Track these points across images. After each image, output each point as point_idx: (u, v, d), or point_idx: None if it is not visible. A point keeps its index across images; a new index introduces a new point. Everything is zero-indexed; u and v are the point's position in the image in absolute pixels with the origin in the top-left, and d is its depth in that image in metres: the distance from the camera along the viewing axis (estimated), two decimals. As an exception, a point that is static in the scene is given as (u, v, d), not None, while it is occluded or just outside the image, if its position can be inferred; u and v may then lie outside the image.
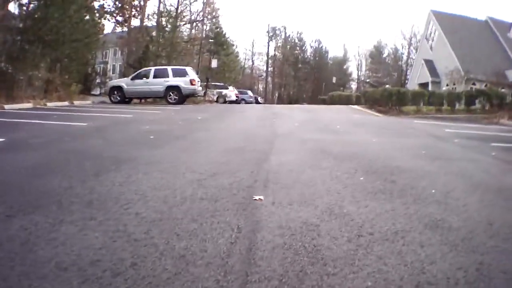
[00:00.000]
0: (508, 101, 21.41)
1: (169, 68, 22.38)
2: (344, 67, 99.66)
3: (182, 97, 21.93)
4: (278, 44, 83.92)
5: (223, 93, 36.62)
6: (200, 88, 23.56)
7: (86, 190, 3.57)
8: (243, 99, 55.27)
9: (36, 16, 16.78)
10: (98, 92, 43.43)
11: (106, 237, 2.56)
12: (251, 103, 56.94)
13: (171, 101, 21.73)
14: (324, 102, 49.48)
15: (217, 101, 34.22)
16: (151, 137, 7.07)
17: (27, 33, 16.61)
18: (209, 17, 56.98)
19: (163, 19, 28.13)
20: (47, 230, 2.66)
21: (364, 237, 2.73)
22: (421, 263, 2.37)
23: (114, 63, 53.91)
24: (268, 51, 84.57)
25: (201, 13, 52.00)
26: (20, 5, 17.64)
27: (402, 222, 3.04)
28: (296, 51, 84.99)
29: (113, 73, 54.04)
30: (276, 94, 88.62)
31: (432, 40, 47.14)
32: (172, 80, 21.82)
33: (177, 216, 2.98)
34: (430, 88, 44.78)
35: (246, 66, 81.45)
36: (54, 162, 4.96)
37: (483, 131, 13.06)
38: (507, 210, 3.60)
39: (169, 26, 27.11)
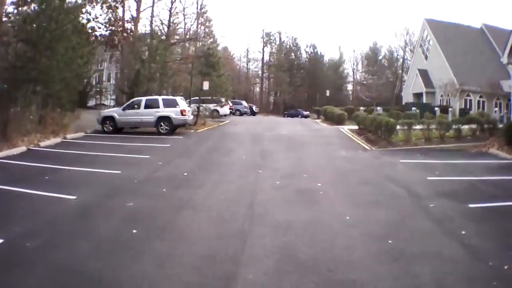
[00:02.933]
0: (498, 127, 21.75)
1: (160, 99, 22.89)
2: (340, 69, 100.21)
3: (172, 127, 22.42)
4: (273, 50, 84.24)
5: (216, 109, 36.87)
6: (191, 117, 24.02)
7: None
8: (237, 110, 55.87)
9: (24, 56, 17.05)
10: (93, 103, 43.93)
11: None
12: (245, 113, 57.55)
13: (162, 131, 22.30)
14: (318, 113, 50.03)
15: (211, 117, 34.59)
16: (134, 231, 7.31)
17: (16, 74, 16.92)
18: (202, 27, 57.55)
19: (154, 41, 28.38)
20: None
21: None
22: None
23: (109, 72, 54.13)
24: (263, 57, 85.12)
25: (195, 23, 52.66)
26: (7, 44, 17.97)
27: None
28: (291, 57, 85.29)
29: (108, 80, 54.36)
30: (272, 101, 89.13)
31: (427, 50, 47.65)
32: (163, 111, 22.39)
33: None
34: (424, 98, 45.43)
35: (241, 72, 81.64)
36: None
37: (467, 174, 13.38)
38: None
39: (159, 49, 27.33)
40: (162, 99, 23.06)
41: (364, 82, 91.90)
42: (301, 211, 8.81)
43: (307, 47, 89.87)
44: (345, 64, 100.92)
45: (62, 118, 21.83)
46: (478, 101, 41.46)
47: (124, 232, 7.24)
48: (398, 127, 20.34)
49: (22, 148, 15.90)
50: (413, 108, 33.42)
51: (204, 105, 31.87)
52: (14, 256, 6.08)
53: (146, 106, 22.83)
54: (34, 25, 16.92)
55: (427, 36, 47.75)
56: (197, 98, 31.97)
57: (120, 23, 28.48)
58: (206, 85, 29.83)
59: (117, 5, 27.49)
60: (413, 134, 20.43)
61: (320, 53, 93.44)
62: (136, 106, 23.03)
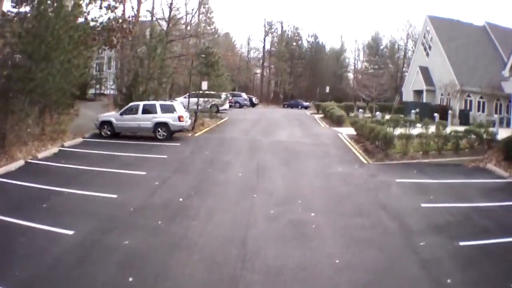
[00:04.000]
0: (497, 138, 21.90)
1: (157, 104, 23.11)
2: (341, 57, 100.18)
3: (170, 133, 22.73)
4: (275, 40, 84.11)
5: (215, 104, 36.96)
6: (189, 122, 24.27)
7: None
8: (237, 102, 56.17)
9: (20, 68, 17.18)
10: (93, 93, 44.00)
11: None
12: (245, 105, 57.81)
13: (160, 137, 22.64)
14: (318, 108, 50.23)
15: (210, 113, 34.72)
16: (130, 279, 7.54)
17: (12, 86, 17.08)
18: (203, 18, 57.40)
19: (154, 40, 28.46)
20: None
21: None
22: None
23: (109, 57, 53.96)
24: (264, 46, 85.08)
25: (196, 15, 52.52)
26: (3, 56, 18.08)
27: None
28: (292, 46, 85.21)
29: (108, 68, 54.26)
30: (272, 90, 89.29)
31: (429, 48, 47.59)
32: (161, 117, 22.68)
33: None
34: (424, 96, 45.57)
35: (241, 61, 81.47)
36: None
37: (461, 199, 13.64)
38: None
39: (158, 49, 27.46)
40: (160, 104, 23.24)
41: (366, 80, 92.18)
42: (293, 252, 9.10)
43: (308, 36, 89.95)
44: (346, 53, 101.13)
45: (59, 125, 22.13)
46: (479, 102, 41.53)
47: (121, 280, 7.56)
48: (396, 136, 20.47)
49: (20, 162, 16.18)
50: (413, 111, 33.52)
51: (202, 103, 32.04)
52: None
53: (144, 111, 23.08)
54: (30, 37, 16.97)
55: (429, 33, 47.63)
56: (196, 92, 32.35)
57: (120, 21, 28.40)
58: (204, 85, 30.08)
59: (116, 5, 27.38)
60: (411, 146, 20.53)
61: (322, 43, 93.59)
62: (133, 111, 23.24)
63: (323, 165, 18.12)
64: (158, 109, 22.98)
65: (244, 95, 60.67)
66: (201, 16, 58.97)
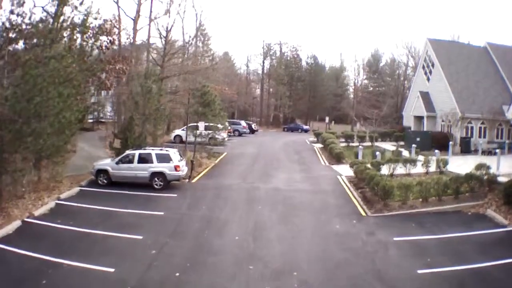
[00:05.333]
0: (498, 181, 22.19)
1: (153, 153, 23.53)
2: (341, 76, 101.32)
3: (167, 182, 23.08)
4: (273, 63, 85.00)
5: (214, 136, 36.92)
6: (185, 170, 24.60)
7: None
8: (236, 130, 56.71)
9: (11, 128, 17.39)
10: (91, 119, 44.52)
11: None
12: (244, 133, 58.27)
13: (157, 187, 23.00)
14: (317, 137, 50.65)
15: (209, 143, 34.92)
16: None
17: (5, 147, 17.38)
18: (200, 44, 58.13)
19: (149, 80, 28.91)
20: None
21: None
22: None
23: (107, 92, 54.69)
24: (263, 68, 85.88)
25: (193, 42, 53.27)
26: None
27: None
28: (291, 69, 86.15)
29: (106, 93, 54.85)
30: (272, 114, 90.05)
31: (430, 72, 48.12)
32: (157, 166, 23.11)
33: None
34: (425, 122, 46.00)
35: (240, 83, 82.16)
36: None
37: (459, 260, 13.92)
38: None
39: (154, 91, 27.95)
40: (156, 153, 23.57)
41: (366, 107, 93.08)
42: None
43: (308, 58, 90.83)
44: (346, 71, 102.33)
45: (55, 172, 22.52)
46: (480, 128, 41.92)
47: None
48: (396, 185, 20.75)
49: (17, 223, 16.58)
50: (413, 146, 33.84)
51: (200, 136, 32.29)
52: None
53: (140, 160, 23.44)
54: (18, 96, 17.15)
55: (429, 57, 48.18)
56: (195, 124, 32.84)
57: (113, 62, 28.98)
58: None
59: (108, 45, 27.94)
60: (410, 194, 20.77)
61: (321, 63, 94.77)
62: (129, 160, 23.59)
63: (321, 222, 18.33)
64: (154, 158, 23.35)
65: (243, 123, 61.22)
66: (198, 42, 60.05)
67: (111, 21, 29.24)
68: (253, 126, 65.92)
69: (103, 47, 27.77)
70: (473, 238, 16.58)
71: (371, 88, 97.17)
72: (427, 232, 17.04)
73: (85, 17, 22.62)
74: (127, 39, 44.02)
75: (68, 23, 22.78)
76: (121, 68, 29.18)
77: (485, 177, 22.02)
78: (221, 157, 35.14)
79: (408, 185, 20.54)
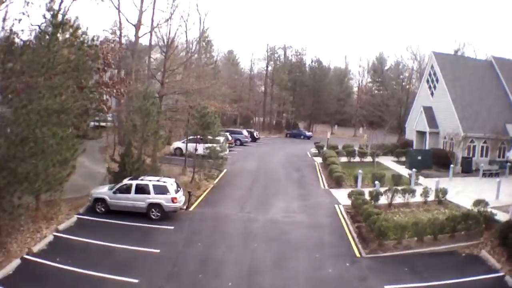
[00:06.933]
0: (495, 219, 22.59)
1: (150, 184, 24.02)
2: (346, 79, 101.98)
3: (164, 214, 23.62)
4: (277, 67, 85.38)
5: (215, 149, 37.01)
6: (183, 201, 25.08)
7: None
8: (238, 139, 57.38)
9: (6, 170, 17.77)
10: (92, 124, 44.91)
11: None
12: (246, 142, 58.88)
13: (154, 218, 23.51)
14: (319, 150, 51.14)
15: (210, 157, 35.20)
16: None
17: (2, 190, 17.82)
18: (203, 51, 58.48)
19: (148, 102, 29.28)
20: None
21: None
22: None
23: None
24: (266, 73, 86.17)
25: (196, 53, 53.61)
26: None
27: None
28: (296, 74, 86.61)
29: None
30: (275, 119, 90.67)
31: (434, 87, 48.37)
32: (154, 198, 23.64)
33: None
34: (427, 139, 46.39)
35: (244, 88, 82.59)
36: None
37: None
38: None
39: (152, 113, 28.40)
40: (153, 185, 23.96)
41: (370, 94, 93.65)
42: None
43: (312, 62, 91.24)
44: (350, 74, 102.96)
45: (53, 204, 23.07)
46: (482, 147, 42.32)
47: None
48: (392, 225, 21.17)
49: (17, 261, 17.15)
50: (414, 170, 34.23)
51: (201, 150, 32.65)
52: None
53: (137, 191, 23.88)
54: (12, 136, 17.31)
55: (434, 71, 48.44)
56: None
57: (111, 84, 29.52)
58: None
59: (105, 68, 28.42)
60: (406, 233, 21.19)
61: (326, 66, 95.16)
62: (126, 189, 24.05)
63: (314, 265, 18.71)
64: (151, 189, 23.74)
65: (244, 131, 61.79)
66: (201, 50, 60.59)
67: (107, 42, 29.53)
68: (255, 134, 66.48)
69: (100, 70, 28.31)
70: (465, 285, 17.10)
71: (376, 92, 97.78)
72: (418, 279, 17.43)
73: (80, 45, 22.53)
74: (127, 49, 44.82)
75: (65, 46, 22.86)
76: (119, 89, 29.58)
77: (482, 217, 22.39)
78: (221, 175, 35.49)
79: (404, 226, 20.91)
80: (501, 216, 23.21)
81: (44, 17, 21.01)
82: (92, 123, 45.17)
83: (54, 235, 20.43)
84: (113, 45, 33.41)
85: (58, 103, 19.38)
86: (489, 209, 23.10)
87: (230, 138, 52.93)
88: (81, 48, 21.42)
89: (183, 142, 40.62)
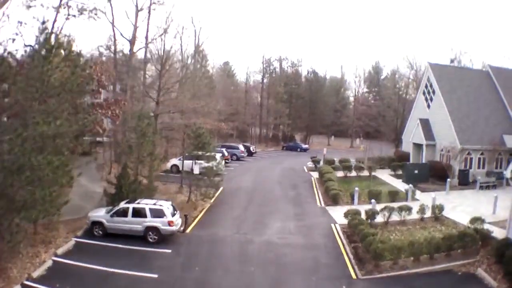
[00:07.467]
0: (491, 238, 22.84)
1: (147, 208, 24.25)
2: (342, 90, 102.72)
3: (161, 237, 23.84)
4: (273, 80, 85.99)
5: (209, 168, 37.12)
6: (179, 223, 25.30)
7: None
8: (234, 155, 57.65)
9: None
10: (89, 140, 45.02)
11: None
12: (242, 157, 59.15)
13: (151, 241, 23.75)
14: (315, 165, 51.41)
15: (206, 175, 35.36)
16: None
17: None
18: (198, 66, 58.88)
19: (143, 123, 29.47)
20: None
21: None
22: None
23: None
24: (262, 86, 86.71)
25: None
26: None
27: None
28: (291, 86, 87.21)
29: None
30: (271, 132, 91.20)
31: (430, 99, 48.64)
32: (151, 221, 23.89)
33: None
34: (424, 151, 46.68)
35: (240, 101, 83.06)
36: None
37: None
38: None
39: (148, 134, 28.67)
40: (149, 208, 24.17)
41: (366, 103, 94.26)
42: None
43: (308, 73, 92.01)
44: (346, 83, 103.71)
45: (52, 228, 23.33)
46: (479, 159, 42.61)
47: None
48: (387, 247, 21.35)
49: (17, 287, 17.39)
50: (410, 186, 34.52)
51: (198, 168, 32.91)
52: None
53: (134, 214, 24.10)
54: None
55: (430, 83, 48.66)
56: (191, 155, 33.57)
57: (105, 105, 29.83)
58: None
59: (100, 89, 28.74)
60: (402, 254, 21.37)
61: (322, 76, 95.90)
62: (123, 213, 24.27)
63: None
64: (148, 213, 23.95)
65: (240, 146, 62.05)
66: (196, 64, 61.05)
67: (101, 63, 29.88)
68: (251, 148, 66.76)
69: (94, 91, 28.62)
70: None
71: (372, 102, 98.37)
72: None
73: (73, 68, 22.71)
74: (121, 65, 45.18)
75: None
76: (114, 110, 29.85)
77: (478, 235, 22.62)
78: (217, 194, 35.61)
79: (400, 247, 21.07)
80: (498, 233, 23.42)
81: (37, 39, 21.32)
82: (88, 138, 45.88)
83: (53, 260, 20.63)
84: (107, 65, 33.69)
85: (53, 128, 19.66)
86: (486, 226, 23.34)
87: (226, 154, 53.24)
88: (74, 72, 21.62)
89: (179, 159, 40.75)
